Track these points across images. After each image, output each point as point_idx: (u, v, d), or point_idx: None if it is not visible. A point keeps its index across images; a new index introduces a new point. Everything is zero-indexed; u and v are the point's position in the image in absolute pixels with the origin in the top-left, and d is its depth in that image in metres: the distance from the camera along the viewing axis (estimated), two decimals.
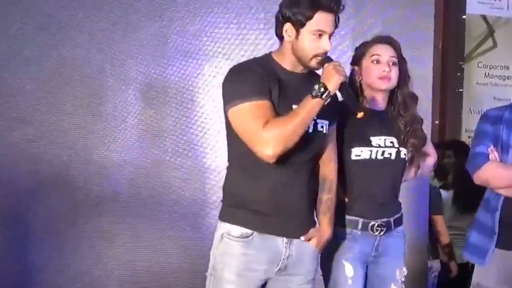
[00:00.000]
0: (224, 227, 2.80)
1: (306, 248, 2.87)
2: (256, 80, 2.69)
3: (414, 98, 3.32)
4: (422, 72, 4.63)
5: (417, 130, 3.28)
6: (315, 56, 2.73)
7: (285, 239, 2.81)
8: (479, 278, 3.47)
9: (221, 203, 2.90)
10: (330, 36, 2.74)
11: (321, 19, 2.70)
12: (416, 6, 4.78)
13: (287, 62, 2.80)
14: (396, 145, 3.23)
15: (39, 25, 4.25)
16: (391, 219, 3.24)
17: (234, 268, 2.76)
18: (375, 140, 3.20)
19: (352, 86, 3.17)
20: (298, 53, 2.76)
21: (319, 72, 2.78)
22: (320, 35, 2.72)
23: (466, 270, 4.87)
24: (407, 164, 3.31)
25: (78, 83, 4.30)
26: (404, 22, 4.66)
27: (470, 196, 4.89)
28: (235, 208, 2.81)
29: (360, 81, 3.25)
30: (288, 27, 2.75)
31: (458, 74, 6.20)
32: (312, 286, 2.93)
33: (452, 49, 6.00)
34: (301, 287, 2.89)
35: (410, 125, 3.26)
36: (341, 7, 2.75)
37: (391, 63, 3.21)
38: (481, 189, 3.52)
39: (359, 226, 3.19)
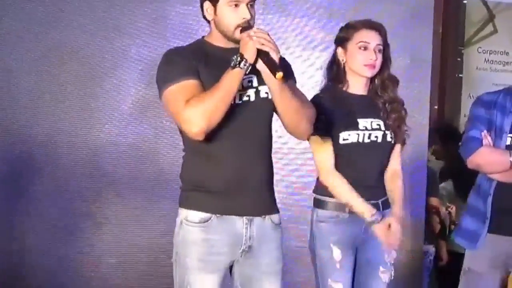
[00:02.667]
0: (183, 213, 2.77)
1: (267, 227, 2.82)
2: (180, 61, 2.70)
3: (395, 80, 3.29)
4: (422, 57, 4.63)
5: (394, 109, 3.25)
6: (237, 26, 2.70)
7: (245, 220, 2.76)
8: (470, 262, 3.47)
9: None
10: (249, 4, 2.71)
11: None
12: None
13: (219, 40, 2.78)
14: (383, 128, 3.22)
15: (36, 6, 4.24)
16: (379, 201, 3.22)
17: (196, 254, 2.73)
18: (362, 122, 3.19)
19: (335, 67, 3.22)
20: (221, 28, 2.74)
21: None
22: (236, 5, 2.70)
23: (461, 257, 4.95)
24: (394, 147, 3.29)
25: (75, 64, 4.30)
26: (403, 8, 4.65)
27: (466, 182, 4.95)
28: (192, 192, 2.78)
29: (343, 63, 3.23)
30: (207, 6, 2.74)
31: (458, 59, 6.20)
32: (282, 265, 2.87)
33: (452, 34, 6.00)
34: (269, 274, 2.84)
35: (388, 104, 3.25)
36: None
37: (377, 51, 3.18)
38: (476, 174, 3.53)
39: (347, 209, 3.18)
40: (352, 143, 3.16)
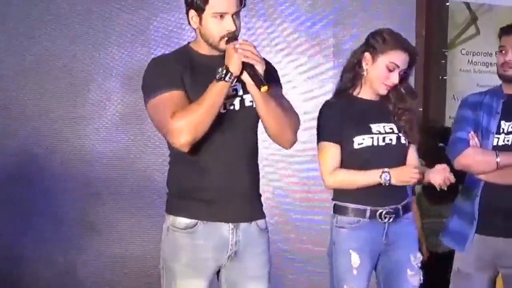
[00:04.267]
0: (169, 220, 2.80)
1: (253, 232, 2.85)
2: (166, 71, 2.71)
3: (413, 93, 3.35)
4: None
5: (405, 112, 3.28)
6: (222, 37, 2.72)
7: (230, 225, 2.79)
8: (459, 263, 3.50)
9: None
10: (234, 15, 2.72)
11: (218, 1, 2.70)
12: None
13: (203, 48, 2.80)
14: (396, 131, 3.25)
15: (23, 17, 4.23)
16: (399, 206, 3.23)
17: (183, 259, 2.76)
18: (374, 127, 3.21)
19: (356, 69, 3.25)
20: (206, 38, 2.76)
21: None
22: (221, 17, 2.71)
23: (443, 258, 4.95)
24: (408, 149, 3.31)
25: (61, 73, 4.30)
26: (386, 11, 4.67)
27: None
28: (179, 199, 2.81)
29: (366, 69, 3.25)
30: (192, 14, 2.76)
31: (442, 61, 6.21)
32: (269, 269, 2.90)
33: (436, 36, 6.00)
34: (255, 279, 2.86)
35: (399, 108, 3.28)
36: None
37: (401, 73, 3.21)
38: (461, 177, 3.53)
39: (367, 214, 3.19)
40: (367, 147, 3.18)
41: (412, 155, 3.33)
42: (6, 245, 4.33)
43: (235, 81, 2.67)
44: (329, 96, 3.43)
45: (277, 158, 4.54)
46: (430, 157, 5.18)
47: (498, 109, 3.45)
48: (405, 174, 3.16)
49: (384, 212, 3.19)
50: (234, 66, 2.63)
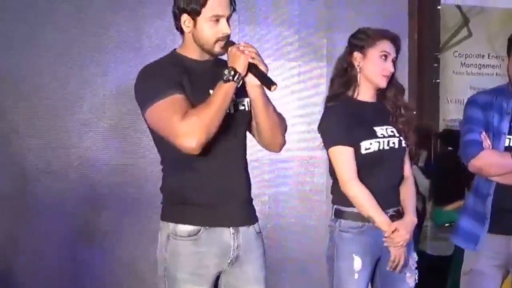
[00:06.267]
0: (169, 227, 2.76)
1: (251, 236, 2.84)
2: (164, 76, 2.69)
3: (402, 89, 3.35)
4: (398, 64, 4.64)
5: (402, 114, 3.27)
6: (217, 41, 2.72)
7: (232, 230, 2.78)
8: (472, 263, 3.45)
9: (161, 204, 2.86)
10: (228, 18, 2.73)
11: (215, 4, 2.69)
12: None
13: (193, 53, 2.79)
14: (396, 134, 3.24)
15: (14, 29, 4.24)
16: (400, 208, 3.23)
17: (187, 267, 2.74)
18: (378, 130, 3.20)
19: (348, 72, 3.23)
20: (200, 42, 2.74)
21: (225, 57, 2.76)
22: (217, 20, 2.71)
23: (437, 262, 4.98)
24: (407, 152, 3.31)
25: (52, 83, 4.29)
26: (378, 15, 4.68)
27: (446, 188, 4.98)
28: (178, 206, 2.78)
29: (359, 68, 3.23)
30: (185, 18, 2.74)
31: (435, 64, 6.23)
32: (265, 272, 2.88)
33: (428, 40, 6.03)
34: (253, 282, 2.85)
35: (397, 109, 3.27)
36: None
37: (394, 62, 3.23)
38: (458, 181, 3.52)
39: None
40: (374, 152, 3.16)
41: (408, 161, 3.32)
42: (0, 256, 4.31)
43: (240, 83, 2.67)
44: (322, 101, 3.40)
45: (273, 162, 4.53)
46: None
47: (509, 109, 3.38)
48: (402, 252, 3.16)
49: (389, 215, 3.16)
50: (241, 66, 2.63)
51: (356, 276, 3.16)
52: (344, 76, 3.26)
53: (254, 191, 2.91)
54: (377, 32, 3.25)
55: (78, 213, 4.34)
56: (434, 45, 6.15)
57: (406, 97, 4.60)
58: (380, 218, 3.13)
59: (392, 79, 3.27)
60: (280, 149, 2.93)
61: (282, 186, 4.59)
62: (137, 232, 4.36)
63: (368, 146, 3.15)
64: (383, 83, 3.22)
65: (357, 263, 3.17)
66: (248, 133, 2.88)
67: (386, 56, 3.20)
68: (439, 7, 6.15)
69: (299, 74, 4.61)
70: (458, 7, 6.20)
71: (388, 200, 3.19)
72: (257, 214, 2.89)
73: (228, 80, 2.63)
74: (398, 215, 3.19)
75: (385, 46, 3.21)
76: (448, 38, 6.19)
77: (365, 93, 3.25)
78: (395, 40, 3.25)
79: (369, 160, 3.16)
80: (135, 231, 4.37)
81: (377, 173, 3.18)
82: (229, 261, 2.79)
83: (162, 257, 2.79)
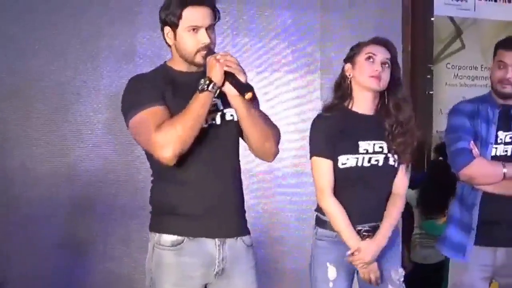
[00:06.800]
0: (155, 238, 2.77)
1: (239, 248, 2.82)
2: (147, 89, 2.70)
3: (408, 102, 3.23)
4: None
5: (402, 133, 3.15)
6: (198, 51, 2.72)
7: (217, 241, 2.77)
8: (460, 274, 3.43)
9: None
10: (208, 28, 2.73)
11: (191, 15, 2.70)
12: (384, 10, 4.82)
13: (180, 65, 2.80)
14: (385, 150, 3.15)
15: (10, 36, 4.23)
16: (379, 223, 3.15)
17: (171, 278, 2.73)
18: (363, 145, 3.12)
19: (342, 84, 3.20)
20: (182, 53, 2.76)
21: None
22: (195, 30, 2.71)
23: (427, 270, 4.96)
24: (397, 170, 3.20)
25: (45, 91, 4.28)
26: (372, 26, 4.68)
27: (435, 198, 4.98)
28: (163, 216, 2.77)
29: (350, 78, 3.20)
30: (167, 31, 2.76)
31: (428, 76, 6.25)
32: (256, 286, 2.85)
33: (421, 52, 6.04)
34: None
35: (397, 126, 3.16)
36: None
37: (385, 65, 3.15)
38: (445, 191, 3.51)
39: None
40: (351, 168, 3.11)
41: (400, 178, 3.20)
42: None
43: (217, 93, 2.66)
44: (317, 112, 3.37)
45: (267, 173, 4.52)
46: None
47: (495, 118, 3.37)
48: (367, 271, 3.12)
49: (362, 230, 3.12)
50: (216, 75, 2.62)
51: (331, 285, 3.14)
52: (339, 90, 3.24)
53: (248, 202, 2.90)
54: (366, 41, 3.23)
55: (68, 222, 4.32)
56: (427, 57, 6.17)
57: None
58: (346, 234, 3.10)
59: (393, 88, 3.19)
60: (273, 159, 2.91)
61: (277, 197, 4.58)
62: (128, 242, 4.34)
63: (345, 161, 3.10)
64: (373, 85, 3.13)
65: (331, 272, 3.15)
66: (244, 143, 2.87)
67: (371, 57, 3.14)
68: (432, 19, 6.17)
69: (291, 84, 4.60)
70: (451, 19, 6.23)
71: (366, 215, 3.14)
72: (251, 225, 2.88)
73: (203, 90, 2.61)
74: (372, 232, 3.13)
75: (371, 49, 3.16)
76: (441, 50, 6.22)
77: (361, 104, 3.19)
78: (384, 44, 3.19)
79: (346, 174, 3.11)
80: (126, 241, 4.35)
81: (355, 188, 3.13)
82: (214, 273, 2.77)
83: (149, 267, 2.80)
